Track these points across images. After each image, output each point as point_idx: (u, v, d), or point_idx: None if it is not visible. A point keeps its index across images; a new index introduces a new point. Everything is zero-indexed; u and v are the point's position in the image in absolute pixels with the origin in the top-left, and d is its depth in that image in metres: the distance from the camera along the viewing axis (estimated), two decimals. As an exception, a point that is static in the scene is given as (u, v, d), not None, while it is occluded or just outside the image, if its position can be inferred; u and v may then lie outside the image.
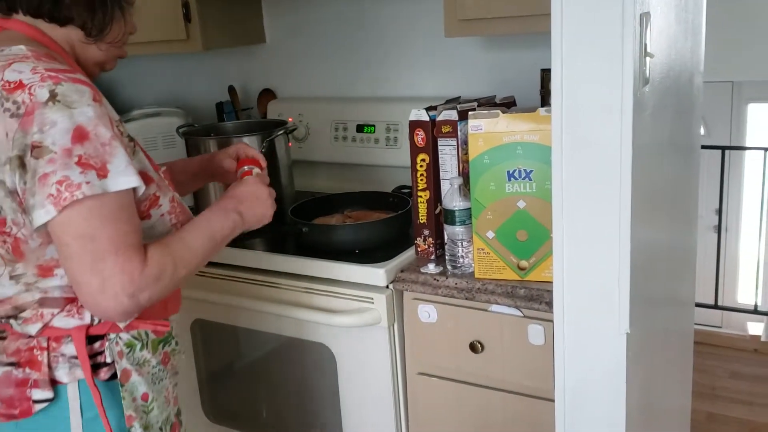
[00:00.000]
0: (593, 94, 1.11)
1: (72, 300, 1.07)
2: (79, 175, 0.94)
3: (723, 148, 3.22)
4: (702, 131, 4.43)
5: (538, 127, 1.32)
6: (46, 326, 1.06)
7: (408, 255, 1.58)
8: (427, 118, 1.48)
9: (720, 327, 3.70)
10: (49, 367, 1.07)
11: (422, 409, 1.56)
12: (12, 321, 1.07)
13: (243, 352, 1.87)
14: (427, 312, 1.49)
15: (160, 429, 1.15)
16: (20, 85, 0.97)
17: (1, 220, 1.01)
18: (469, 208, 1.42)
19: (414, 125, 1.50)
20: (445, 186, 1.50)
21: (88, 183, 0.94)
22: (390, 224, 1.69)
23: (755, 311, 3.43)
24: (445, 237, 1.49)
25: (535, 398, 1.42)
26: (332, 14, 2.14)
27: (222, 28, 2.11)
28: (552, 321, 1.26)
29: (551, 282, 1.31)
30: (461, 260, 1.47)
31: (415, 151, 1.51)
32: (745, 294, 4.14)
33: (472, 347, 1.45)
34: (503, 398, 1.45)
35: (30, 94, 0.96)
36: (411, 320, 1.52)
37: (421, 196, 1.53)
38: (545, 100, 1.80)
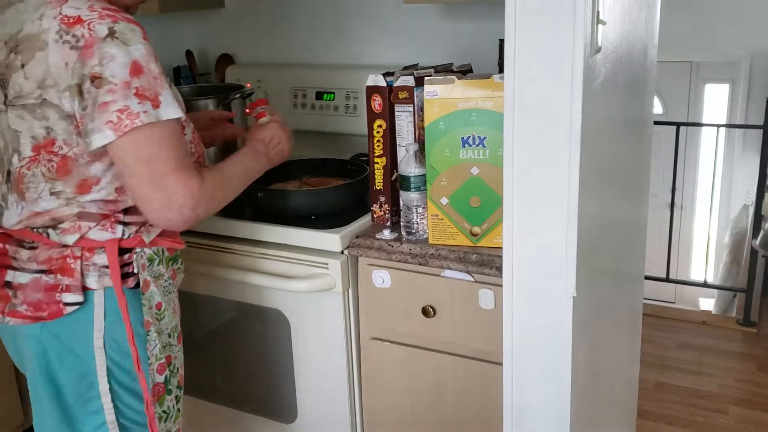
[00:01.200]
0: (544, 61, 1.12)
1: (106, 216, 1.18)
2: (137, 104, 1.06)
3: (677, 125, 3.28)
4: (661, 109, 4.50)
5: (492, 94, 1.33)
6: (82, 237, 1.17)
7: (364, 221, 1.58)
8: (384, 84, 1.48)
9: (673, 302, 3.80)
10: (81, 274, 1.17)
11: (375, 374, 1.58)
12: (50, 230, 1.17)
13: (199, 319, 1.86)
14: (381, 277, 1.50)
15: (169, 335, 1.29)
16: (79, 20, 1.07)
17: (51, 141, 1.11)
18: (424, 175, 1.43)
19: (371, 90, 1.49)
20: (401, 152, 1.50)
21: (145, 112, 1.07)
22: (347, 190, 1.69)
23: (704, 284, 3.53)
24: (401, 203, 1.50)
25: (485, 362, 1.44)
26: (293, -21, 2.12)
27: (180, -10, 2.07)
28: (501, 285, 1.29)
29: (502, 248, 1.34)
30: (416, 226, 1.48)
31: (372, 116, 1.51)
32: (699, 270, 4.25)
33: (425, 312, 1.47)
34: (454, 362, 1.48)
35: (89, 29, 1.07)
36: (365, 286, 1.53)
37: (377, 163, 1.53)
38: (502, 69, 1.81)
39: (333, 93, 2.04)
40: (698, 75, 4.42)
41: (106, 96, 1.06)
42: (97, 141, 1.08)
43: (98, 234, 1.18)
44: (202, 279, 1.68)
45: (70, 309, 1.18)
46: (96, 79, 1.06)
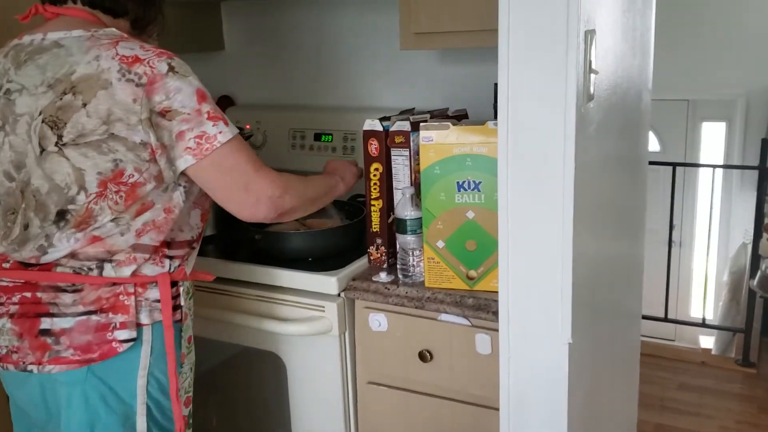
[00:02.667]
0: (537, 109, 1.14)
1: (156, 248, 1.23)
2: (212, 127, 1.17)
3: (674, 165, 3.30)
4: (658, 147, 4.53)
5: (487, 139, 1.34)
6: (137, 271, 1.21)
7: (361, 264, 1.59)
8: (381, 128, 1.50)
9: (673, 340, 3.78)
10: (136, 310, 1.21)
11: (372, 419, 1.57)
12: (105, 264, 1.20)
13: (194, 360, 1.85)
14: (377, 321, 1.50)
15: (191, 369, 1.35)
16: (137, 59, 1.15)
17: (119, 172, 1.15)
18: (420, 218, 1.44)
19: (368, 134, 1.51)
20: (397, 195, 1.51)
21: (221, 132, 1.17)
22: (344, 233, 1.70)
23: (703, 324, 3.51)
24: (397, 246, 1.51)
25: (482, 407, 1.43)
26: (291, 22, 2.15)
27: (180, 33, 2.10)
28: (498, 331, 1.29)
29: (498, 293, 1.34)
30: (412, 269, 1.48)
31: (368, 160, 1.52)
32: (698, 308, 4.24)
33: (422, 356, 1.46)
34: (451, 407, 1.47)
35: (150, 66, 1.14)
36: (362, 329, 1.53)
37: (374, 205, 1.54)
38: (498, 113, 1.83)
39: (331, 135, 2.06)
40: (695, 113, 4.47)
41: (180, 126, 1.15)
42: (181, 166, 1.17)
43: (151, 269, 1.23)
44: (198, 320, 1.66)
45: (125, 346, 1.20)
46: (167, 113, 1.14)
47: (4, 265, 1.23)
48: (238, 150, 1.21)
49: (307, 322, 1.53)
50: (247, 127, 2.10)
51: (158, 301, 1.23)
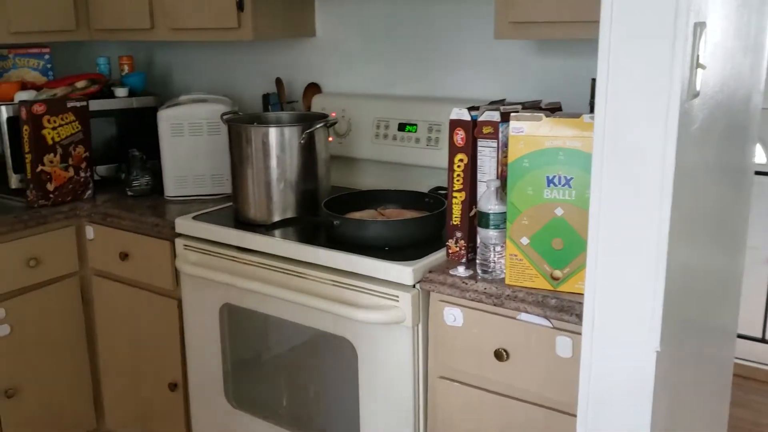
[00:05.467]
0: (638, 103, 1.08)
1: None
2: None
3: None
4: (765, 159, 4.27)
5: (581, 133, 1.28)
6: None
7: (438, 256, 1.56)
8: (468, 118, 1.46)
9: (768, 365, 3.55)
10: None
11: (441, 413, 1.54)
12: None
13: (268, 339, 1.87)
14: (453, 315, 1.47)
15: None
16: None
17: None
18: (505, 212, 1.39)
19: (454, 124, 1.48)
20: (481, 188, 1.47)
21: None
22: (423, 224, 1.67)
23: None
24: (478, 240, 1.47)
25: (557, 412, 1.38)
26: (384, 11, 2.14)
27: (274, 18, 2.13)
28: (581, 333, 1.23)
29: (583, 294, 1.28)
30: (492, 265, 1.44)
31: (453, 150, 1.49)
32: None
33: (497, 355, 1.42)
34: (525, 409, 1.42)
35: None
36: (436, 322, 1.50)
37: (456, 197, 1.51)
38: (594, 109, 1.76)
39: (416, 125, 2.03)
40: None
41: None
42: None
43: None
44: (274, 301, 1.69)
45: None
46: None
47: None
48: None
49: (380, 311, 1.51)
50: (332, 114, 2.11)
51: None
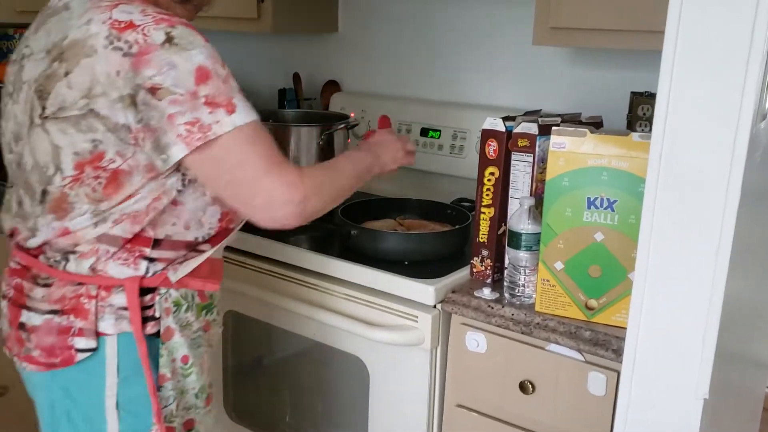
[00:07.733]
0: (703, 125, 0.97)
1: (128, 241, 1.05)
2: (208, 115, 0.96)
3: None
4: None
5: (628, 153, 1.18)
6: (97, 266, 1.05)
7: (461, 275, 1.45)
8: (503, 129, 1.35)
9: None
10: (96, 316, 1.06)
11: (456, 444, 1.43)
12: (70, 256, 1.06)
13: (273, 351, 1.77)
14: (475, 340, 1.36)
15: (196, 396, 1.14)
16: (131, 25, 0.97)
17: (98, 155, 0.99)
18: (539, 233, 1.28)
19: (487, 134, 1.37)
20: (513, 205, 1.37)
21: (218, 122, 0.97)
22: (446, 238, 1.56)
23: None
24: (506, 261, 1.36)
25: (584, 452, 1.28)
26: (411, 10, 2.04)
27: (295, 11, 2.03)
28: (617, 371, 1.13)
29: (621, 327, 1.18)
30: (521, 289, 1.33)
31: (484, 162, 1.38)
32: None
33: (522, 387, 1.31)
34: (548, 446, 1.31)
35: (144, 35, 0.96)
36: (456, 346, 1.39)
37: (484, 213, 1.40)
38: (632, 125, 1.65)
39: (439, 131, 1.93)
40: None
41: (169, 108, 0.95)
42: (174, 155, 0.97)
43: (118, 270, 1.05)
44: (281, 311, 1.58)
45: (81, 356, 1.05)
46: (156, 91, 0.95)
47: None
48: (247, 143, 0.99)
49: (397, 331, 1.41)
50: (352, 115, 2.00)
51: (125, 308, 1.06)
